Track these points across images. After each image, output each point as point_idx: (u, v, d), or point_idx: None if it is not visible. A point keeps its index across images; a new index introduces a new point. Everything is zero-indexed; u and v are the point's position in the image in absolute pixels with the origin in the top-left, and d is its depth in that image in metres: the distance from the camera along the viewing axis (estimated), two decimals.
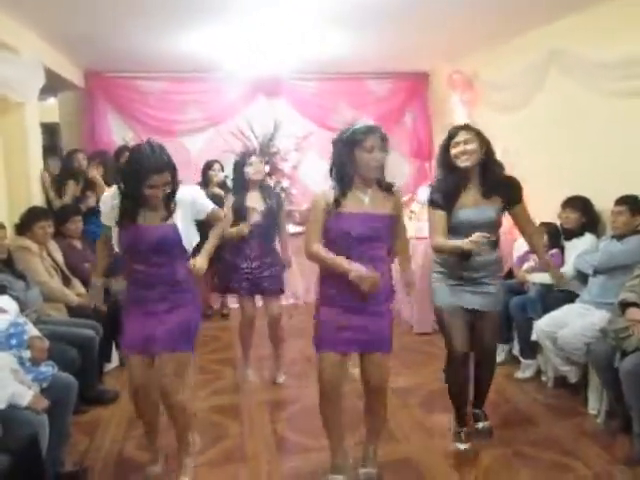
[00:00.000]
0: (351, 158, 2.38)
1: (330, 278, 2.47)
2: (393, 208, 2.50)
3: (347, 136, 2.39)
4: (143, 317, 2.55)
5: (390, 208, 2.49)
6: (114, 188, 2.53)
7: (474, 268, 2.81)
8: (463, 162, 2.73)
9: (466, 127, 2.84)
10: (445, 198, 2.78)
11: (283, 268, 3.89)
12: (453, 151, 2.76)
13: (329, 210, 2.41)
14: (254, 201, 3.73)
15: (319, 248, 2.42)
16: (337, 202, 2.40)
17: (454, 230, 2.78)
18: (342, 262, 2.35)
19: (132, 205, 2.47)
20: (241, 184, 3.76)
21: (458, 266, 2.81)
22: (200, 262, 2.58)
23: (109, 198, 2.55)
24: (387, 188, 2.50)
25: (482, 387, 3.08)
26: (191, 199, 2.59)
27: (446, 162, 2.82)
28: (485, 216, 2.76)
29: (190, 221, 2.60)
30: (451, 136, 2.79)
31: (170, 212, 2.51)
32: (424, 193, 4.07)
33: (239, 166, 3.77)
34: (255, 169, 3.72)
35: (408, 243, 2.83)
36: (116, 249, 2.60)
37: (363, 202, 2.44)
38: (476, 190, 2.79)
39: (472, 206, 2.77)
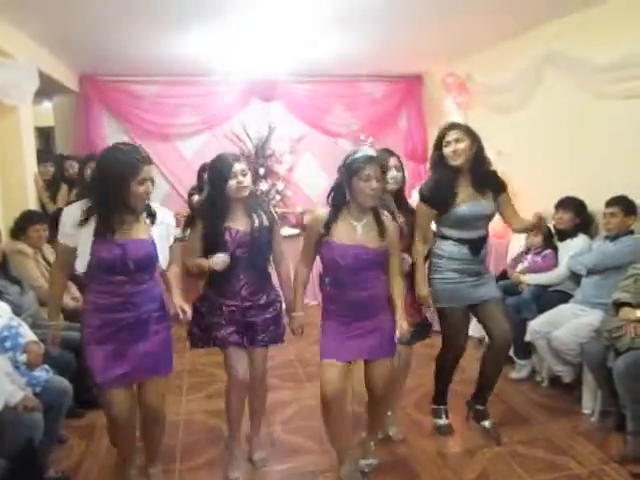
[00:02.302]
0: (349, 185, 2.45)
1: (329, 295, 2.57)
2: (385, 241, 2.52)
3: (347, 163, 2.46)
4: (124, 345, 2.32)
5: (382, 241, 2.51)
6: (79, 203, 2.31)
7: (480, 261, 2.98)
8: (455, 161, 2.85)
9: (456, 126, 2.93)
10: (439, 197, 2.88)
11: (281, 308, 2.85)
12: (445, 150, 2.86)
13: (321, 235, 2.49)
14: (237, 221, 2.66)
15: (301, 277, 2.65)
16: (327, 227, 2.47)
17: (457, 225, 2.90)
18: (298, 306, 2.67)
19: (115, 214, 2.27)
20: (219, 205, 2.64)
21: (468, 261, 2.92)
22: (179, 301, 2.42)
23: (75, 213, 2.27)
24: (379, 224, 2.52)
25: (492, 379, 3.12)
26: (171, 221, 2.51)
27: (438, 161, 2.92)
28: (483, 209, 2.91)
29: (165, 241, 2.44)
30: (442, 135, 2.89)
31: (152, 220, 2.39)
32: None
33: (219, 180, 2.61)
34: (239, 183, 2.60)
35: (402, 285, 2.66)
36: (81, 270, 2.29)
37: (355, 231, 2.49)
38: (469, 185, 2.90)
39: (469, 200, 2.88)
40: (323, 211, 2.53)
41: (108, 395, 2.36)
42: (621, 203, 3.47)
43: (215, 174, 2.64)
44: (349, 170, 2.44)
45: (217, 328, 2.68)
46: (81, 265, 2.27)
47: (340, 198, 2.49)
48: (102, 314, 2.31)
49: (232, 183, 2.59)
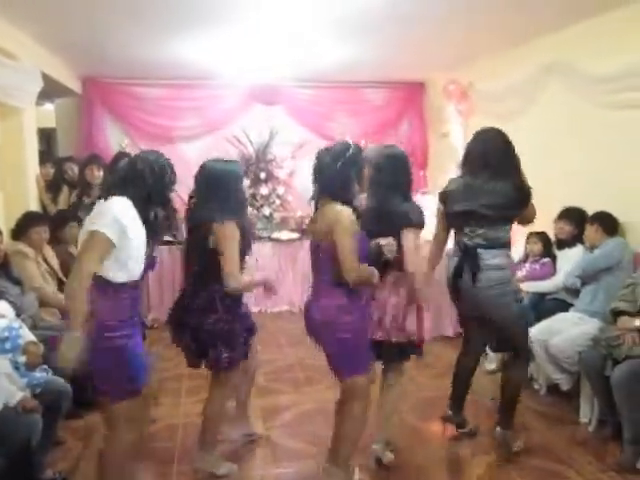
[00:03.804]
0: (360, 177, 2.47)
1: (359, 292, 2.47)
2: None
3: (361, 155, 2.48)
4: (141, 347, 2.29)
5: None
6: (123, 200, 2.15)
7: None
8: None
9: None
10: None
11: None
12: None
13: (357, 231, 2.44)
14: None
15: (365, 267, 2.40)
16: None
17: None
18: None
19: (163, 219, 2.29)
20: (242, 203, 2.79)
21: None
22: None
23: (130, 210, 2.15)
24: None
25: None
26: None
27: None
28: None
29: None
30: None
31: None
32: (423, 201, 4.08)
33: (239, 179, 2.75)
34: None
35: None
36: (134, 279, 2.17)
37: None
38: None
39: None
40: (347, 209, 2.42)
41: (133, 405, 2.23)
42: (597, 219, 3.63)
43: (233, 177, 2.68)
44: (362, 161, 2.48)
45: (240, 343, 2.71)
46: (137, 273, 2.16)
47: (354, 190, 2.47)
48: (125, 321, 2.18)
49: (246, 183, 2.63)
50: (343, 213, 2.38)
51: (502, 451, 2.95)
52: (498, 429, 3.02)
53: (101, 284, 2.10)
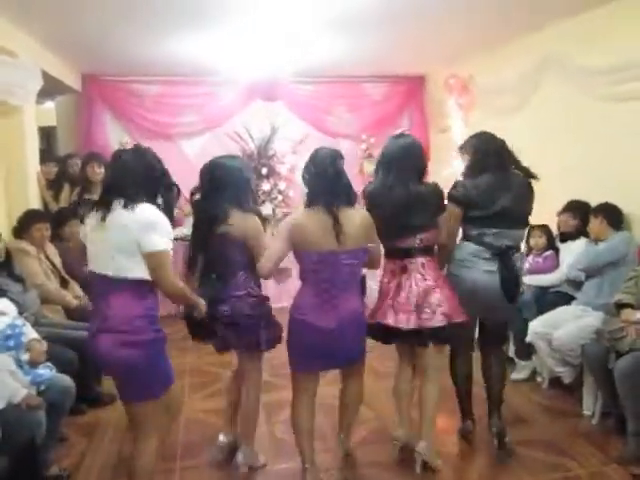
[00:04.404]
0: None
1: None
2: None
3: None
4: None
5: None
6: (152, 207, 2.17)
7: None
8: None
9: None
10: None
11: None
12: None
13: None
14: None
15: None
16: None
17: None
18: None
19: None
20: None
21: None
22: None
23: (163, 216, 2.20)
24: None
25: None
26: None
27: None
28: None
29: None
30: None
31: None
32: None
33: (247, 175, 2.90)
34: None
35: None
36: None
37: None
38: None
39: None
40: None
41: (172, 392, 2.33)
42: (601, 211, 3.62)
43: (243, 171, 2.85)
44: None
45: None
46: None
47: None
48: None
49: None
50: (365, 212, 2.56)
51: (499, 445, 2.89)
52: (495, 419, 2.92)
53: (143, 287, 2.13)
